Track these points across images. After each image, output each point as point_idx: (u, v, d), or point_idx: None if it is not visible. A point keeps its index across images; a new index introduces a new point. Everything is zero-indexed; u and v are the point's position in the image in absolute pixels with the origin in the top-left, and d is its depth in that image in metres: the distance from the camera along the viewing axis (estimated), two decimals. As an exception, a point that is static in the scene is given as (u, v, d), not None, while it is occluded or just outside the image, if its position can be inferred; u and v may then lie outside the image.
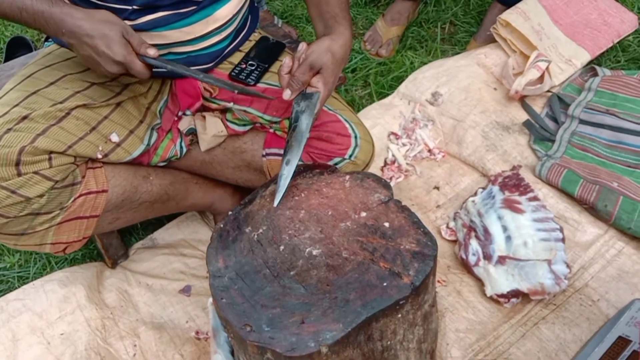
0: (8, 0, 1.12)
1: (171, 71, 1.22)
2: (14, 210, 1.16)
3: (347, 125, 1.39)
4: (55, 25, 1.12)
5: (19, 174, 1.14)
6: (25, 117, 1.18)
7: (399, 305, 0.99)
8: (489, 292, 1.41)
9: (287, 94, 1.20)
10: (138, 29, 1.23)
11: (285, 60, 1.21)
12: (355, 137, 1.40)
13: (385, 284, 1.00)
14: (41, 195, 1.18)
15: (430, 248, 1.05)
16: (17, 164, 1.14)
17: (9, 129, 1.15)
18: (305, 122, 1.20)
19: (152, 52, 1.16)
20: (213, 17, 1.31)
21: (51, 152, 1.18)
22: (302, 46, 1.22)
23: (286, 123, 1.39)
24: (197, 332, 1.43)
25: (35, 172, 1.16)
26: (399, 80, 2.02)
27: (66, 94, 1.24)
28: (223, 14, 1.33)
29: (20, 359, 1.37)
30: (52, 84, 1.25)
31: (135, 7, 1.22)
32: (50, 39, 1.42)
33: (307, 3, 1.37)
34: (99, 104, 1.27)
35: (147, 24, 1.24)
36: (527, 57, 1.89)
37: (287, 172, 1.16)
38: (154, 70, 1.20)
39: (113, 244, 1.58)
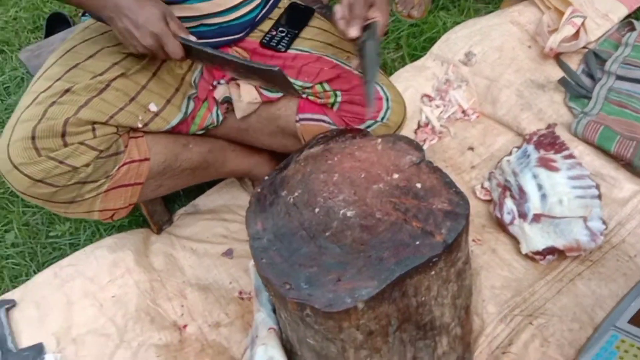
0: None
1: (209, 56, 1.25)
2: (62, 179, 1.23)
3: (378, 88, 1.41)
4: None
5: (65, 145, 1.21)
6: (67, 90, 1.23)
7: (432, 262, 1.02)
8: (524, 250, 1.43)
9: (352, 32, 1.23)
10: (169, 2, 1.26)
11: (336, 7, 1.23)
12: (387, 99, 1.42)
13: (418, 242, 1.03)
14: (87, 165, 1.24)
15: (462, 207, 1.07)
16: (63, 135, 1.20)
17: (53, 102, 1.22)
18: (373, 48, 1.24)
19: (192, 37, 1.22)
20: None
21: (94, 123, 1.23)
22: None
23: (318, 88, 1.41)
24: (240, 292, 1.49)
25: (81, 143, 1.22)
26: (432, 41, 2.02)
27: (105, 66, 1.29)
28: None
29: (76, 320, 1.46)
30: (90, 57, 1.31)
31: None
32: (86, 14, 1.47)
33: None
34: (134, 71, 1.31)
35: None
36: (562, 14, 1.86)
37: (369, 89, 1.24)
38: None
39: (158, 210, 1.65)
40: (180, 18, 1.29)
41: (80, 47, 1.33)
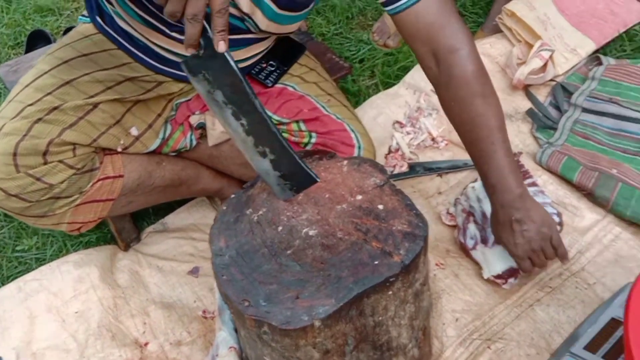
0: None
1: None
2: (36, 195, 1.23)
3: (353, 135, 1.45)
4: None
5: (45, 163, 1.21)
6: (55, 108, 1.23)
7: (389, 282, 1.03)
8: (486, 275, 1.45)
9: None
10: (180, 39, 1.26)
11: None
12: (359, 147, 1.45)
13: (376, 262, 1.04)
14: (62, 182, 1.24)
15: (421, 229, 1.09)
16: (45, 153, 1.20)
17: (40, 119, 1.21)
18: None
19: (223, 46, 0.92)
20: (252, 47, 1.37)
21: (76, 144, 1.24)
22: None
23: (294, 126, 1.44)
24: (204, 311, 1.49)
25: (60, 161, 1.23)
26: (405, 70, 2.06)
27: (98, 89, 1.28)
28: (261, 45, 1.39)
29: (37, 335, 1.45)
30: (86, 74, 1.29)
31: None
32: (85, 14, 1.44)
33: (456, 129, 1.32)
34: (128, 98, 1.32)
35: None
36: (531, 47, 1.92)
37: None
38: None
39: (126, 227, 1.65)
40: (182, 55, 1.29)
41: (77, 62, 1.31)
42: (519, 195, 1.23)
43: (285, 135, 1.44)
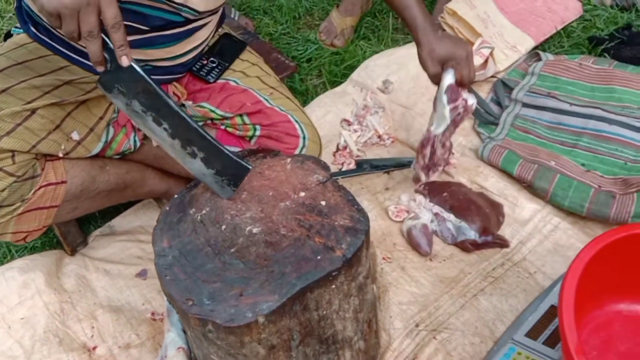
0: None
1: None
2: None
3: (297, 126, 1.46)
4: None
5: None
6: None
7: (332, 276, 1.05)
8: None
9: None
10: None
11: None
12: (304, 137, 1.47)
13: (319, 257, 1.06)
14: (2, 190, 1.22)
15: (362, 223, 1.11)
16: None
17: None
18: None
19: (125, 61, 0.96)
20: (193, 38, 1.37)
21: (15, 151, 1.22)
22: None
23: (238, 120, 1.45)
24: (152, 314, 1.49)
25: None
26: (352, 69, 2.09)
27: (36, 94, 1.27)
28: (201, 34, 1.39)
29: (-18, 343, 1.43)
30: (23, 82, 1.28)
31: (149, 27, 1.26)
32: (18, 26, 1.43)
33: None
34: (67, 100, 1.31)
35: (133, 42, 1.27)
36: (472, 44, 1.96)
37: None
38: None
39: (71, 231, 1.63)
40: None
41: (13, 70, 1.30)
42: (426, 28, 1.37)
43: (229, 129, 1.45)
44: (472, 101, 1.46)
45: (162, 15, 1.27)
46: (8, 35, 1.44)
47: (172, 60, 1.39)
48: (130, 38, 1.17)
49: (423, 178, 1.61)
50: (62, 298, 1.51)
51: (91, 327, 1.46)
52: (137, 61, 0.99)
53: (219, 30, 1.57)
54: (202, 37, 1.41)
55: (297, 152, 1.46)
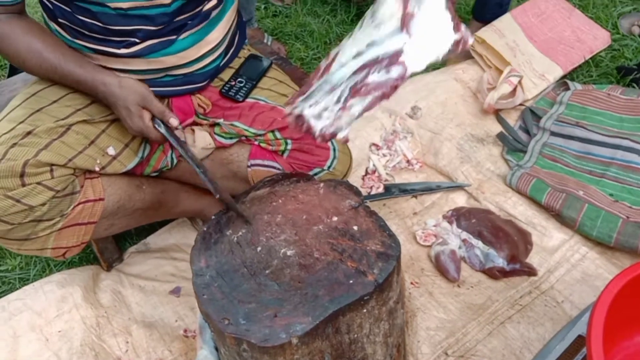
0: (51, 70, 1.32)
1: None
2: (18, 217, 1.26)
3: None
4: (93, 90, 1.32)
5: (23, 185, 1.24)
6: (29, 133, 1.28)
7: (364, 300, 1.08)
8: None
9: None
10: (135, 55, 1.33)
11: None
12: (334, 149, 1.50)
13: (351, 281, 1.09)
14: (43, 204, 1.27)
15: (394, 249, 1.14)
16: (22, 175, 1.24)
17: (14, 144, 1.26)
18: None
19: (174, 122, 1.34)
20: (205, 41, 1.41)
21: (53, 165, 1.28)
22: None
23: (270, 136, 1.49)
24: (185, 330, 1.53)
25: (38, 183, 1.26)
26: (382, 94, 2.12)
27: (68, 112, 1.34)
28: (214, 37, 1.43)
29: (21, 354, 1.47)
30: (54, 102, 1.36)
31: (136, 40, 1.32)
32: None
33: None
34: (97, 119, 1.37)
35: (142, 50, 1.34)
36: (501, 73, 1.99)
37: None
38: (150, 79, 1.36)
39: (108, 248, 1.68)
40: (145, 71, 1.37)
41: (45, 92, 1.38)
42: None
43: (263, 145, 1.50)
44: None
45: (164, 11, 1.32)
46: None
47: (188, 67, 1.43)
48: (145, 44, 1.34)
49: None
50: (99, 312, 1.55)
51: (125, 342, 1.50)
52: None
53: (244, 50, 1.62)
54: (215, 39, 1.45)
55: (328, 163, 1.49)
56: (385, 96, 0.97)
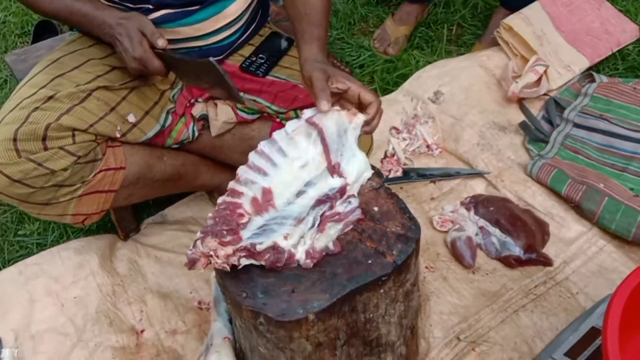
0: (61, 6, 1.31)
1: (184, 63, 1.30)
2: (39, 181, 1.27)
3: None
4: (98, 26, 1.31)
5: (45, 148, 1.25)
6: (50, 97, 1.29)
7: (382, 281, 1.08)
8: None
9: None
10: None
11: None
12: None
13: (370, 261, 1.09)
14: (65, 169, 1.28)
15: (414, 231, 1.14)
16: (44, 139, 1.25)
17: (37, 108, 1.27)
18: None
19: (160, 42, 1.26)
20: (223, 14, 1.40)
21: (74, 130, 1.29)
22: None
23: (292, 114, 1.49)
24: (199, 302, 1.54)
25: (60, 147, 1.27)
26: (404, 77, 2.11)
27: (89, 77, 1.35)
28: (232, 10, 1.42)
29: (36, 318, 1.49)
30: (76, 68, 1.36)
31: (150, 6, 1.33)
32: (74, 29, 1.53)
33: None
34: (118, 86, 1.37)
35: (157, 19, 1.34)
36: (527, 61, 1.97)
37: None
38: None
39: (126, 218, 1.69)
40: None
41: (67, 59, 1.39)
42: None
43: (284, 122, 1.49)
44: None
45: None
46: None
47: (204, 39, 1.43)
48: (161, 12, 1.35)
49: None
50: (115, 281, 1.57)
51: (140, 311, 1.52)
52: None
53: (265, 28, 1.61)
54: (233, 13, 1.44)
55: None
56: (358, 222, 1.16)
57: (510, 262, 1.55)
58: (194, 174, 1.62)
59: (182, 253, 1.65)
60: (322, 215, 1.12)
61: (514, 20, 2.06)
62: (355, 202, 1.15)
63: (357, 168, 1.16)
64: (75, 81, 1.33)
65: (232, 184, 1.12)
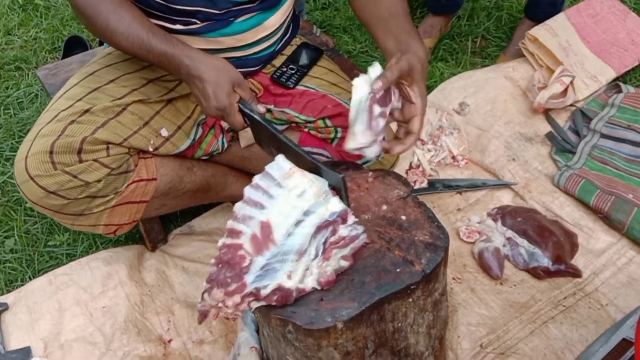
0: (138, 43, 1.25)
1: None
2: (74, 192, 1.30)
3: None
4: (176, 65, 1.24)
5: (80, 161, 1.28)
6: (87, 111, 1.31)
7: (410, 290, 1.08)
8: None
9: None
10: (192, 32, 1.35)
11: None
12: (383, 138, 1.50)
13: (398, 270, 1.09)
14: (99, 181, 1.31)
15: (442, 240, 1.14)
16: (79, 152, 1.28)
17: (73, 121, 1.30)
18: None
19: (261, 109, 1.29)
20: (263, 26, 1.42)
21: (109, 143, 1.31)
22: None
23: (320, 123, 1.50)
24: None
25: (95, 160, 1.29)
26: (429, 89, 2.12)
27: (124, 91, 1.37)
28: (272, 22, 1.44)
29: (65, 327, 1.51)
30: (111, 81, 1.39)
31: (198, 22, 1.34)
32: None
33: (369, 24, 1.38)
34: (152, 99, 1.40)
35: (200, 28, 1.36)
36: (553, 72, 1.96)
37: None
38: None
39: (154, 228, 1.71)
40: (202, 50, 1.37)
41: (103, 72, 1.42)
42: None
43: (312, 132, 1.51)
44: None
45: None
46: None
47: (244, 50, 1.44)
48: (204, 23, 1.34)
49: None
50: (143, 291, 1.58)
51: (167, 321, 1.53)
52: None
53: (296, 39, 1.63)
54: (273, 25, 1.45)
55: None
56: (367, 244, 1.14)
57: (538, 273, 1.54)
58: (223, 185, 1.64)
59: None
60: (325, 242, 1.08)
61: (540, 31, 2.05)
62: (360, 228, 1.11)
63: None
64: (111, 94, 1.36)
65: (230, 223, 1.08)
